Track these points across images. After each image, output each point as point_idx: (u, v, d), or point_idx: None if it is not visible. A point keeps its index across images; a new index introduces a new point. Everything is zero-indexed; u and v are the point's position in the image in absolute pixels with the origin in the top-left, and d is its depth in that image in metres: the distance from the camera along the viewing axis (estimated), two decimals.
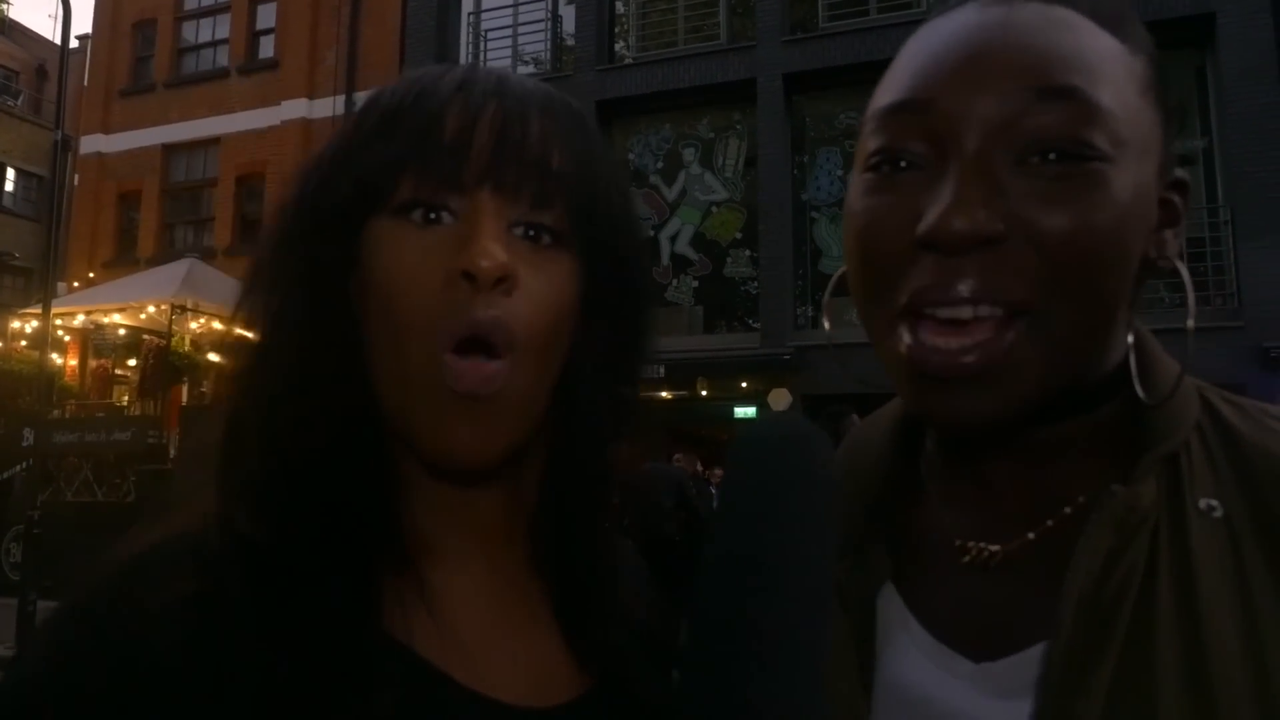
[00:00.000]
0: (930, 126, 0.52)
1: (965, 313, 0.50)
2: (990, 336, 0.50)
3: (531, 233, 0.53)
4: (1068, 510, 0.55)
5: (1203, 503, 0.51)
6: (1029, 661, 0.51)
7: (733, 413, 11.47)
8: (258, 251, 0.56)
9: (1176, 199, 0.56)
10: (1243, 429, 0.54)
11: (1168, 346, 0.57)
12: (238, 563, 0.48)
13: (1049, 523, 0.56)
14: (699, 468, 10.08)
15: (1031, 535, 0.56)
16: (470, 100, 0.53)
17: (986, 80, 0.51)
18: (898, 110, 0.54)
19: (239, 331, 0.56)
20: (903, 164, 0.53)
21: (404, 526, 0.53)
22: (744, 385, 10.90)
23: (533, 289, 0.52)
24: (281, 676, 0.45)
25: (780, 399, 10.75)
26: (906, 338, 0.52)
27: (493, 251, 0.50)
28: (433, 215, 0.52)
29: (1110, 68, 0.51)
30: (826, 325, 0.73)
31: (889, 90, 0.55)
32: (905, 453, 0.65)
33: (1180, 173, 0.57)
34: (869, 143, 0.55)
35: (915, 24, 0.59)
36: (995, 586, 0.57)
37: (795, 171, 11.33)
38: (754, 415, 11.10)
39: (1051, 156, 0.49)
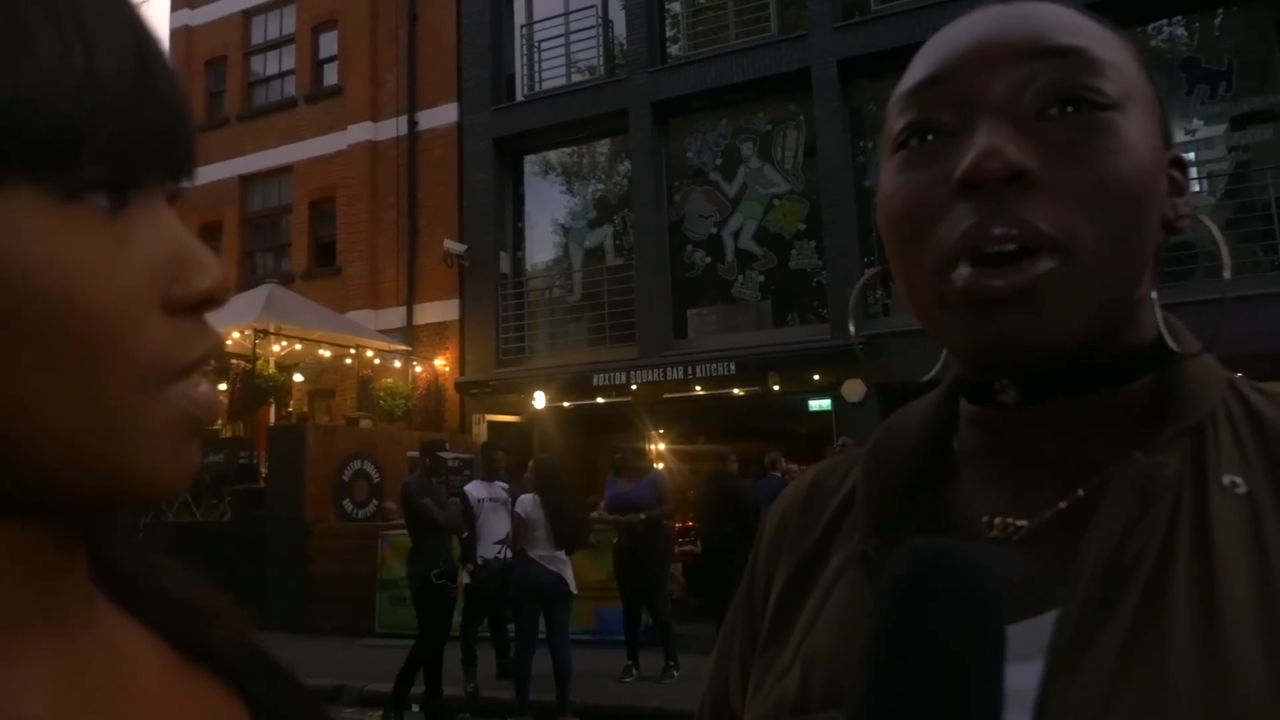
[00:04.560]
0: (955, 95, 0.57)
1: (1010, 247, 0.53)
2: (1035, 265, 0.53)
3: None
4: (1093, 485, 0.56)
5: (1226, 479, 0.53)
6: (1044, 626, 0.52)
7: (806, 405, 11.37)
8: None
9: (1178, 174, 0.61)
10: (1269, 413, 0.56)
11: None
12: None
13: (1077, 494, 0.57)
14: (786, 465, 9.75)
15: (1060, 507, 0.57)
16: None
17: (1000, 51, 0.57)
18: (923, 87, 0.59)
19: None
20: (930, 136, 0.58)
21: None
22: (816, 377, 10.80)
23: None
24: None
25: (854, 390, 10.59)
26: (964, 270, 0.54)
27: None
28: None
29: (1107, 37, 0.58)
30: (852, 329, 0.75)
31: (911, 75, 0.61)
32: (939, 438, 0.67)
33: (1175, 152, 0.61)
34: (896, 123, 0.60)
35: (967, 1, 0.63)
36: (1018, 559, 0.57)
37: (857, 158, 11.17)
38: (828, 407, 10.99)
39: (1069, 109, 0.55)
